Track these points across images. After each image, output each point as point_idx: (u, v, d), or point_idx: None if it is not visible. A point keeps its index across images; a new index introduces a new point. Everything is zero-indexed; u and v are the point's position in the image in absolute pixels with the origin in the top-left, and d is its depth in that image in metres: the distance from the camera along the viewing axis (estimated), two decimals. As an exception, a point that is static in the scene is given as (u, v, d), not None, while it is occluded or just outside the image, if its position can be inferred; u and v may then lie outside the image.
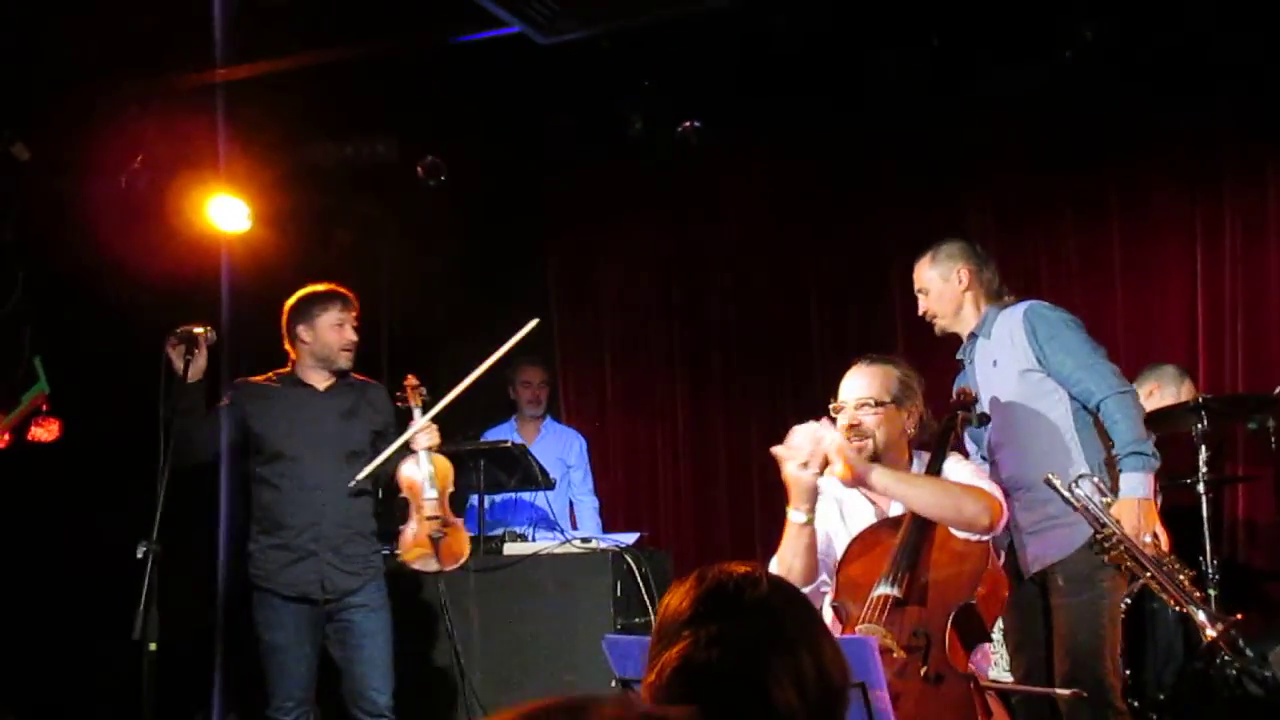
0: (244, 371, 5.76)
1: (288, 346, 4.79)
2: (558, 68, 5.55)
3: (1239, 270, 6.04)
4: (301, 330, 4.72)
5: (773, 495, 6.24)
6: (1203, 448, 4.97)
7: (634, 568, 5.13)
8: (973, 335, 3.98)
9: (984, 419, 3.82)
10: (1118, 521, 3.40)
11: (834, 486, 3.36)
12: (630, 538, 5.49)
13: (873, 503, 3.41)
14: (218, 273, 5.97)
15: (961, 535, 3.21)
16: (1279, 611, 4.98)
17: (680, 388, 7.03)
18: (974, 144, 6.44)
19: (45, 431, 5.31)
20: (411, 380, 4.77)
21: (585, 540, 5.34)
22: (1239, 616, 4.40)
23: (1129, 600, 4.83)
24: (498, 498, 5.99)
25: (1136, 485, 3.60)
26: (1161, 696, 5.03)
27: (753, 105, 6.17)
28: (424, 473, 4.59)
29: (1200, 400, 5.03)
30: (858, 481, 3.20)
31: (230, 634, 5.08)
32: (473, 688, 4.99)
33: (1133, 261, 6.27)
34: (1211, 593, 4.85)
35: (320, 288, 4.78)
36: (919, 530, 3.18)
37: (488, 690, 5.01)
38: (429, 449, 4.63)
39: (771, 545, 3.40)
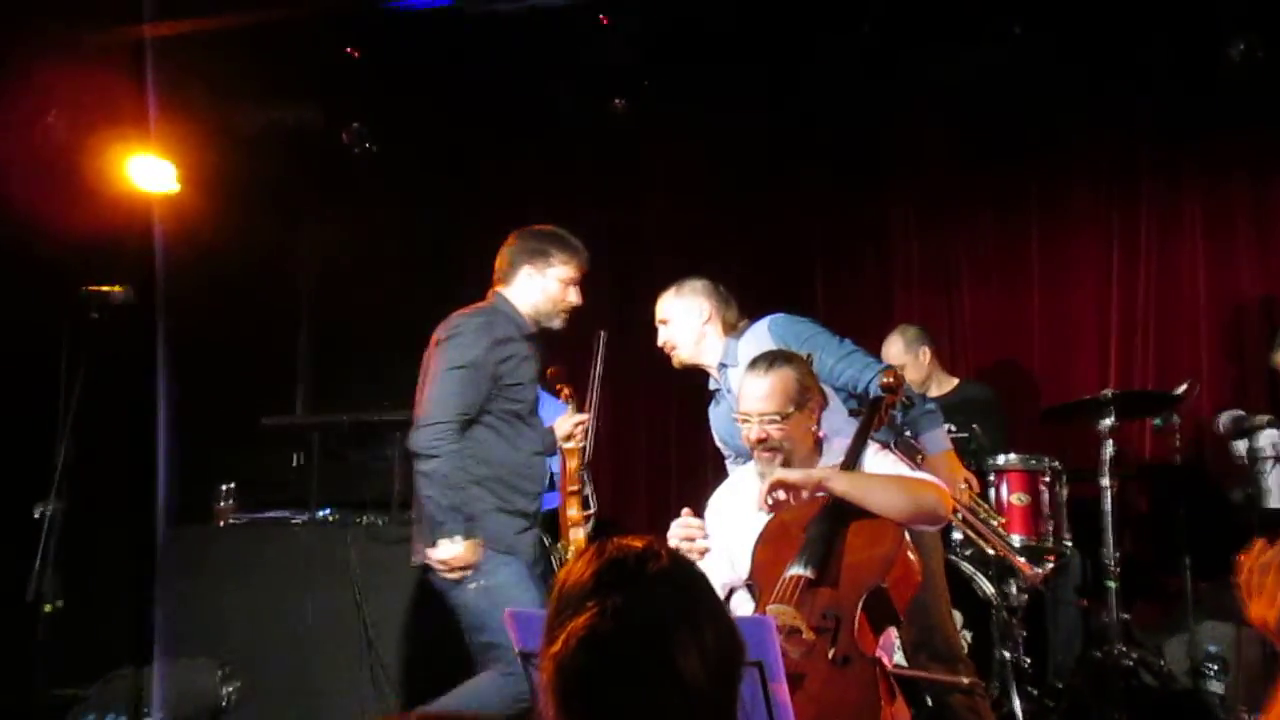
0: (173, 337, 5.65)
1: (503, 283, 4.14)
2: (489, 40, 5.44)
3: (1153, 270, 6.15)
4: (528, 270, 4.10)
5: (691, 474, 6.35)
6: (1109, 442, 4.99)
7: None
8: (722, 365, 4.02)
9: (910, 402, 3.79)
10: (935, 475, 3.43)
11: (717, 537, 3.38)
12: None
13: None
14: (140, 233, 5.85)
15: (919, 528, 3.23)
16: (1176, 604, 4.99)
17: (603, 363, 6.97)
18: (898, 140, 6.49)
19: (-51, 389, 5.18)
20: (565, 390, 4.36)
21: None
22: (1051, 563, 4.52)
23: (1027, 594, 4.87)
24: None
25: (938, 440, 3.81)
26: (1060, 685, 5.08)
27: (680, 87, 6.14)
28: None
29: (1109, 395, 5.05)
30: (816, 490, 3.17)
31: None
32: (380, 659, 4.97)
33: (1050, 259, 6.36)
34: (1111, 584, 4.88)
35: (561, 231, 4.17)
36: (834, 513, 3.14)
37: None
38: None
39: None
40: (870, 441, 3.42)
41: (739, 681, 1.70)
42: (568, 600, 1.66)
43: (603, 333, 4.33)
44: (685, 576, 1.70)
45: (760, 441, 3.31)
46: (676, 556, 1.74)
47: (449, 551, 3.74)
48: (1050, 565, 5.05)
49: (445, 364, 3.85)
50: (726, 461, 4.15)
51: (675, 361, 4.15)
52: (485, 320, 3.95)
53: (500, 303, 4.07)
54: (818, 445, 3.41)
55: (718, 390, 4.10)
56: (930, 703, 3.83)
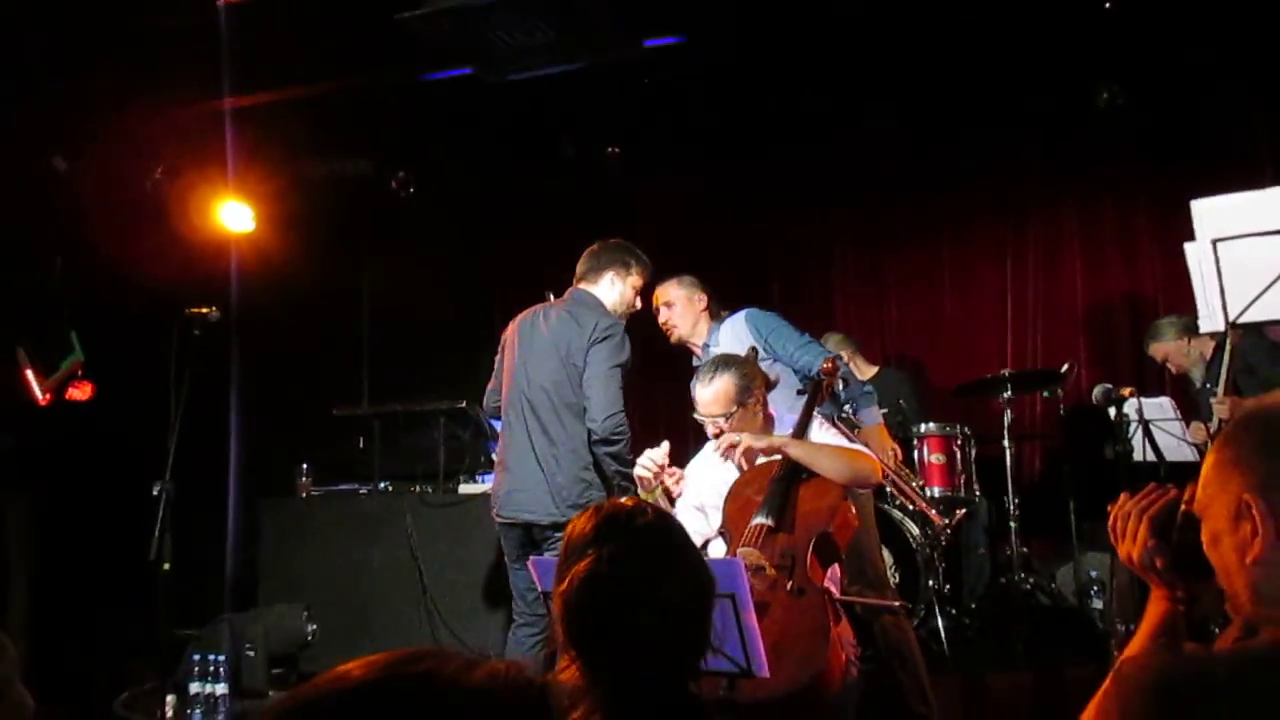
0: (252, 349, 5.67)
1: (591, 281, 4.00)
2: (505, 101, 5.46)
3: (1040, 275, 6.17)
4: (612, 275, 3.98)
5: (678, 439, 6.34)
6: (1007, 412, 5.04)
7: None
8: (705, 345, 4.01)
9: (846, 385, 3.78)
10: (867, 444, 3.45)
11: (691, 497, 3.34)
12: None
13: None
14: (226, 264, 5.87)
15: (855, 489, 3.26)
16: (1064, 539, 5.04)
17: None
18: (836, 172, 6.44)
19: (80, 392, 5.20)
20: None
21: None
22: (961, 512, 4.52)
23: (943, 538, 4.91)
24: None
25: (875, 415, 3.84)
26: (973, 605, 5.12)
27: (666, 137, 6.13)
28: None
29: (1007, 374, 5.10)
30: (775, 453, 3.18)
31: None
32: (433, 600, 4.97)
33: (958, 268, 6.38)
34: (1012, 525, 4.93)
35: (635, 247, 4.04)
36: (788, 474, 3.16)
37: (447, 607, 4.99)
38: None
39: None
40: (815, 416, 3.42)
41: (711, 610, 1.74)
42: (573, 549, 1.71)
43: None
44: (665, 528, 1.75)
45: (717, 436, 3.31)
46: (659, 512, 1.78)
47: None
48: (962, 511, 5.10)
49: (609, 362, 3.72)
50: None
51: (673, 339, 4.10)
52: (622, 325, 3.86)
53: (591, 299, 3.92)
54: (769, 423, 3.40)
55: (699, 367, 4.01)
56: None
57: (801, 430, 3.32)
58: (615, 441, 3.69)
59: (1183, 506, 1.42)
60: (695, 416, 3.37)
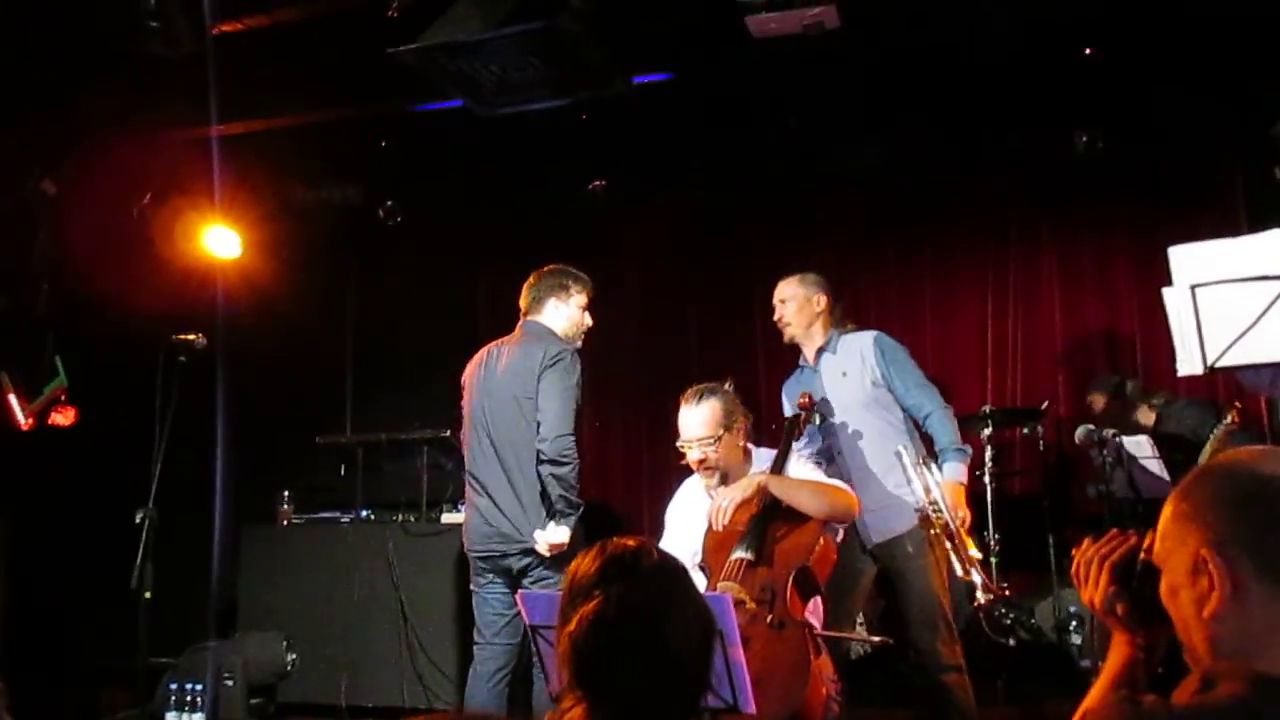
0: (237, 375, 5.66)
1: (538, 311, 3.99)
2: (494, 133, 5.48)
3: (1020, 311, 6.17)
4: (554, 301, 3.98)
5: (660, 472, 6.34)
6: (988, 448, 5.08)
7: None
8: (821, 350, 3.89)
9: (824, 420, 3.76)
10: (943, 497, 3.44)
11: (677, 533, 3.37)
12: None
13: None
14: (213, 290, 5.85)
15: (833, 524, 3.24)
16: (1043, 574, 5.08)
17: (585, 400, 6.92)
18: (822, 208, 6.46)
19: (63, 417, 5.21)
20: None
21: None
22: (1006, 591, 4.49)
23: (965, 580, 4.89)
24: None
25: (960, 473, 3.64)
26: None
27: (648, 170, 6.15)
28: None
29: (987, 411, 5.14)
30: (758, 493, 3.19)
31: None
32: (414, 630, 4.93)
33: (940, 303, 6.37)
34: (993, 559, 4.96)
35: (569, 267, 4.05)
36: (768, 510, 3.18)
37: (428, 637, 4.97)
38: None
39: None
40: (793, 451, 3.43)
41: (713, 652, 1.75)
42: (579, 589, 1.69)
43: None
44: (671, 568, 1.73)
45: (700, 463, 3.30)
46: (664, 553, 1.77)
47: (562, 536, 3.65)
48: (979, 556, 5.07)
49: (559, 384, 3.73)
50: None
51: (785, 337, 3.96)
52: (572, 349, 3.86)
53: (540, 329, 3.92)
54: (747, 456, 3.40)
55: (803, 368, 3.95)
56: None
57: (780, 465, 3.33)
58: (562, 463, 3.69)
59: (1142, 555, 1.44)
60: (679, 445, 3.35)
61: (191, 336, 4.35)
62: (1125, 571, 1.47)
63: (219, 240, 5.84)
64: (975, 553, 3.39)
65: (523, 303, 4.03)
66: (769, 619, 2.95)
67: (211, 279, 5.93)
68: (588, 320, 4.01)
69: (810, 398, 3.66)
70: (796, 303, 3.92)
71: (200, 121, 5.18)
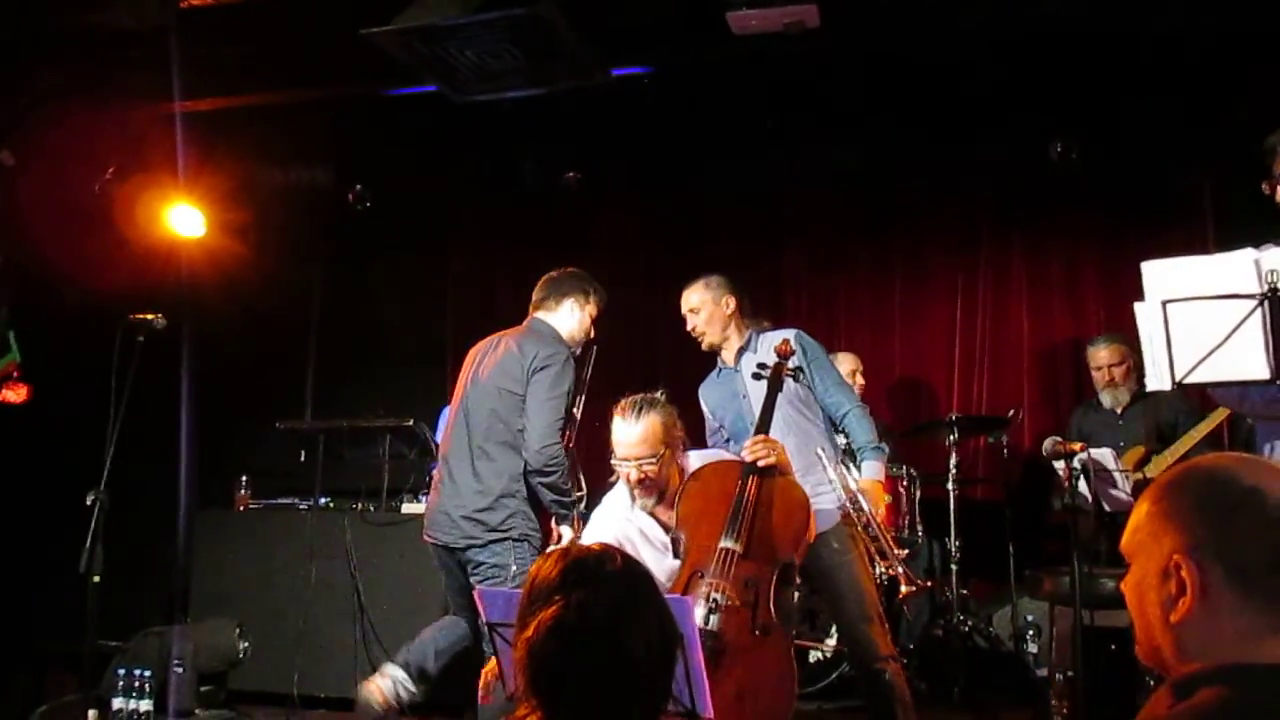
0: (202, 357, 5.56)
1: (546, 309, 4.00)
2: (468, 120, 5.42)
3: (988, 319, 6.18)
4: (572, 302, 4.00)
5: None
6: (953, 454, 5.09)
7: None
8: (741, 350, 3.81)
9: (797, 371, 3.61)
10: (863, 494, 3.44)
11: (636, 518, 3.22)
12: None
13: (664, 525, 3.20)
14: (175, 269, 5.76)
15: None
16: (1002, 584, 5.09)
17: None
18: (793, 213, 6.46)
19: (15, 394, 5.06)
20: None
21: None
22: (928, 583, 4.51)
23: (889, 575, 4.91)
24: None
25: (879, 471, 3.63)
26: (912, 646, 5.14)
27: (625, 164, 6.12)
28: None
29: (953, 418, 5.15)
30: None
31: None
32: (370, 622, 4.89)
33: (909, 309, 6.37)
34: (953, 567, 4.97)
35: (589, 277, 4.08)
36: (758, 495, 3.01)
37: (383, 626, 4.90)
38: None
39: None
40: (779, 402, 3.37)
41: (675, 662, 1.70)
42: (538, 594, 1.64)
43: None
44: (634, 576, 1.68)
45: (640, 482, 3.12)
46: (627, 558, 1.70)
47: (565, 536, 3.77)
48: (905, 552, 5.10)
49: (548, 391, 3.73)
50: (707, 431, 3.88)
51: (704, 346, 3.87)
52: (567, 353, 3.85)
53: (545, 328, 3.94)
54: (681, 474, 3.21)
55: (721, 369, 3.86)
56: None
57: (765, 424, 3.23)
58: (549, 473, 3.72)
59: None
60: (614, 462, 3.17)
61: (150, 316, 4.24)
62: None
63: (183, 219, 5.73)
64: (897, 551, 3.40)
65: (537, 295, 4.02)
66: (753, 626, 2.82)
67: (175, 258, 5.83)
68: (592, 332, 4.05)
69: (788, 343, 3.55)
70: (707, 310, 3.85)
71: (166, 97, 5.09)
